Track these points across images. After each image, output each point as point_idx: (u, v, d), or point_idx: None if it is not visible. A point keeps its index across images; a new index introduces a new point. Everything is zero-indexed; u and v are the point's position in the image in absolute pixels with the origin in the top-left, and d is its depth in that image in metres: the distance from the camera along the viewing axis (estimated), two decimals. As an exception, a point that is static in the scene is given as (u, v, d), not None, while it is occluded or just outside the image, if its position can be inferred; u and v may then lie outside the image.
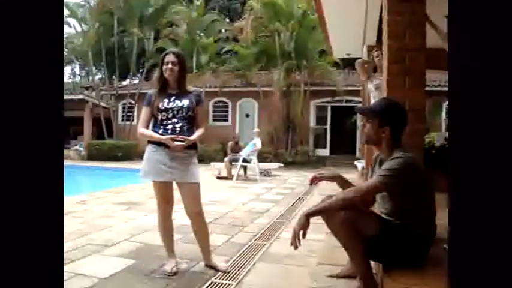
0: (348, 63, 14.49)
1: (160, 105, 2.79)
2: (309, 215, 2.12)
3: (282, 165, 11.98)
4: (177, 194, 2.90)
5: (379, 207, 2.32)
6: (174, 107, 2.79)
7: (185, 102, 2.81)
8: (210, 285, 2.62)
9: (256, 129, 10.90)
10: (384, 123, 2.23)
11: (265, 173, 10.64)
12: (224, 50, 17.97)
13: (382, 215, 2.26)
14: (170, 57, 2.82)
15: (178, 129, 2.77)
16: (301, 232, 2.09)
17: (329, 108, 16.84)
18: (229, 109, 17.69)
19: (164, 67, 2.81)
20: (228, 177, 9.67)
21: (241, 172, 9.98)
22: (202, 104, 2.96)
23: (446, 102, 14.38)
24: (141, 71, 20.47)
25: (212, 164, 11.24)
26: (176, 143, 2.68)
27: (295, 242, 2.08)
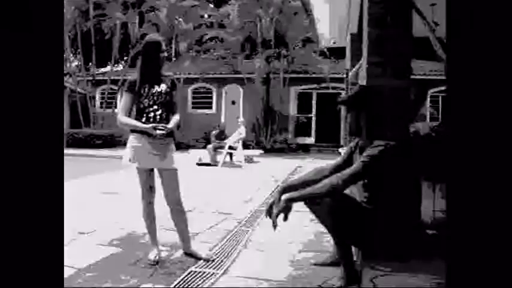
0: (334, 52, 14.51)
1: (142, 91, 2.81)
2: (291, 200, 2.10)
3: (262, 152, 12.07)
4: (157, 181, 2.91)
5: (359, 196, 2.33)
6: (154, 92, 2.82)
7: (163, 87, 2.86)
8: (189, 274, 2.60)
9: (241, 119, 10.98)
10: (360, 110, 2.25)
11: (248, 160, 10.70)
12: (208, 36, 17.64)
13: (363, 204, 2.27)
14: (164, 46, 2.89)
15: (158, 117, 2.80)
16: (282, 215, 2.07)
17: (314, 95, 16.74)
18: (214, 96, 17.46)
19: (162, 55, 2.85)
20: (212, 164, 9.80)
21: (227, 159, 10.13)
22: (177, 88, 2.98)
23: (431, 90, 14.56)
24: (125, 58, 20.02)
25: (191, 151, 11.25)
26: (158, 131, 2.70)
27: (274, 224, 2.07)
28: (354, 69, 5.12)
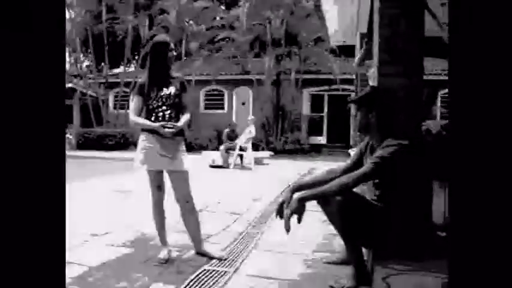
0: (344, 51, 14.42)
1: (151, 94, 2.83)
2: (303, 199, 2.08)
3: (272, 153, 12.00)
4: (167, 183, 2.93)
5: (370, 194, 2.32)
6: (163, 94, 2.84)
7: (172, 89, 2.87)
8: (201, 272, 2.61)
9: (251, 117, 10.94)
10: (369, 109, 2.25)
11: (257, 162, 10.68)
12: (219, 37, 17.74)
13: (374, 202, 2.26)
14: (172, 45, 2.89)
15: (167, 116, 2.82)
16: (295, 216, 2.05)
17: (326, 96, 16.83)
18: (226, 97, 17.75)
19: (170, 54, 2.86)
20: (224, 166, 9.83)
21: (238, 161, 10.12)
22: (186, 90, 2.98)
23: (442, 91, 14.40)
24: (136, 58, 20.15)
25: (203, 152, 11.26)
26: (166, 130, 2.71)
27: (287, 225, 2.03)
28: (357, 57, 5.05)
